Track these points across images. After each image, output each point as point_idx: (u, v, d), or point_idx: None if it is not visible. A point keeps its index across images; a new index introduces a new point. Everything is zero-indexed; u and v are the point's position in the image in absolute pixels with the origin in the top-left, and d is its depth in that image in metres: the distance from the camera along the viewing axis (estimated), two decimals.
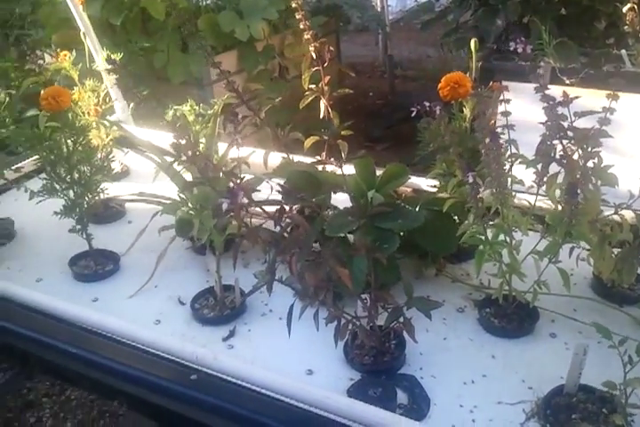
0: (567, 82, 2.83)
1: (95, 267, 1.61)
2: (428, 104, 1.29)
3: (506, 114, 1.26)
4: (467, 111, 1.49)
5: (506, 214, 1.21)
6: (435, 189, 1.52)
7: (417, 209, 1.40)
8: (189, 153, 1.14)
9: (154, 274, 1.52)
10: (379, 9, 5.03)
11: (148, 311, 1.45)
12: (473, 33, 3.49)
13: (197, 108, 1.72)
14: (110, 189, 1.69)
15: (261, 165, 1.58)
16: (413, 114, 1.28)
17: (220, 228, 1.44)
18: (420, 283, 1.45)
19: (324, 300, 1.14)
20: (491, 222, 1.22)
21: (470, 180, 1.07)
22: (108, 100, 1.93)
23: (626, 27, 3.32)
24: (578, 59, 3.21)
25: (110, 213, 1.86)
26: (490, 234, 1.22)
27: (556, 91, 1.21)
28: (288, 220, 1.08)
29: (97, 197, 1.61)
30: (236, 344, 1.33)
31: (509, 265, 1.22)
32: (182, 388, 1.19)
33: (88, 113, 1.84)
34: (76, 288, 1.56)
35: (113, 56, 1.94)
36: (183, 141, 1.14)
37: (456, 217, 1.41)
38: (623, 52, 3.35)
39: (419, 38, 5.32)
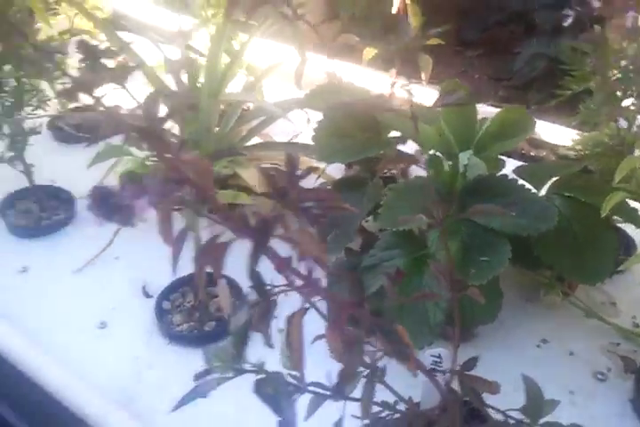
0: None
1: (39, 214, 1.09)
2: None
3: None
4: None
5: None
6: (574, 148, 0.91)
7: (544, 194, 0.80)
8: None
9: (114, 239, 0.98)
10: None
11: (92, 302, 0.92)
12: None
13: None
14: None
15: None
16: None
17: None
18: (530, 312, 0.88)
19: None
20: None
21: None
22: None
23: None
24: None
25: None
26: None
27: None
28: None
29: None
30: None
31: None
32: None
33: None
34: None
35: None
36: None
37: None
38: None
39: None
